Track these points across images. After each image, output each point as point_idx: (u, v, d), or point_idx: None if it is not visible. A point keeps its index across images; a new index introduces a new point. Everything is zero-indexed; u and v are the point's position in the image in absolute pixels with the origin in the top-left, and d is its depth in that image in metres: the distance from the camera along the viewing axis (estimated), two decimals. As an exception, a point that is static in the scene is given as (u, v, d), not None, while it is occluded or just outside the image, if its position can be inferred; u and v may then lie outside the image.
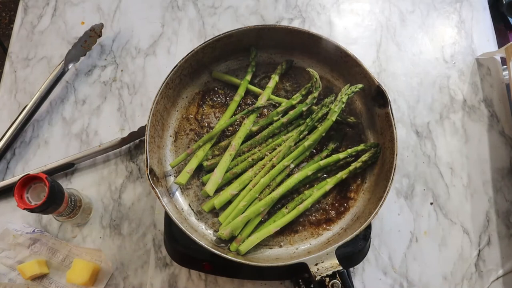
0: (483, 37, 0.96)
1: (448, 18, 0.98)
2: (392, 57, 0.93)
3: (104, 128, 0.85)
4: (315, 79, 0.74)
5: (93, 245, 0.77)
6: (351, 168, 0.71)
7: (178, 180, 0.70)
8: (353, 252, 0.67)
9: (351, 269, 0.75)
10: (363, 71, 0.71)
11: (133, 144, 0.83)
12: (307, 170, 0.70)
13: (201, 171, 0.73)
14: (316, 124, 0.72)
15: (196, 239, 0.60)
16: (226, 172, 0.71)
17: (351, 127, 0.77)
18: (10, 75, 0.89)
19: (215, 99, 0.78)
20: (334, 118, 0.71)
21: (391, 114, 0.68)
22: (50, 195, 0.63)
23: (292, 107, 0.75)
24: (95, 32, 0.88)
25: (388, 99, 0.69)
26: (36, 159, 0.82)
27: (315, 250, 0.67)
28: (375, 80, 0.70)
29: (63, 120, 0.86)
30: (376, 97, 0.71)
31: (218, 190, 0.70)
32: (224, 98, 0.78)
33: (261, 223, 0.69)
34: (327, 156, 0.73)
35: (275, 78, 0.77)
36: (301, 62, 0.80)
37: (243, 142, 0.73)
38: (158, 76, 0.89)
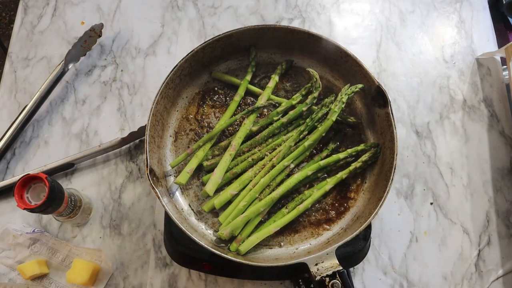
0: (483, 37, 0.96)
1: (448, 18, 0.98)
2: (392, 57, 0.93)
3: (104, 128, 0.85)
4: (315, 79, 0.74)
5: (93, 245, 0.77)
6: (351, 168, 0.71)
7: (178, 180, 0.70)
8: (353, 252, 0.67)
9: (351, 269, 0.75)
10: (363, 71, 0.71)
11: (133, 144, 0.83)
12: (307, 170, 0.70)
13: (201, 171, 0.73)
14: (316, 124, 0.72)
15: (196, 239, 0.60)
16: (226, 172, 0.71)
17: (351, 127, 0.77)
18: (10, 75, 0.89)
19: (215, 99, 0.78)
20: (334, 118, 0.71)
21: (391, 114, 0.68)
22: (50, 195, 0.63)
23: (292, 107, 0.75)
24: (95, 32, 0.88)
25: (388, 99, 0.69)
26: (36, 159, 0.82)
27: (315, 250, 0.67)
28: (375, 80, 0.70)
29: (63, 120, 0.86)
30: (376, 97, 0.71)
31: (218, 190, 0.70)
32: (224, 98, 0.78)
33: (261, 223, 0.69)
34: (327, 156, 0.73)
35: (275, 78, 0.77)
36: (301, 62, 0.80)
37: (243, 142, 0.73)
38: (158, 76, 0.89)
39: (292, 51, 0.79)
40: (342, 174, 0.71)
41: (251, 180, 0.70)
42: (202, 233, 0.68)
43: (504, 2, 1.06)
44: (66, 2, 0.96)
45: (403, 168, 0.84)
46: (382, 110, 0.71)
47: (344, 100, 0.71)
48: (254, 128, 0.74)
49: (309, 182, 0.72)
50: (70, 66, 0.86)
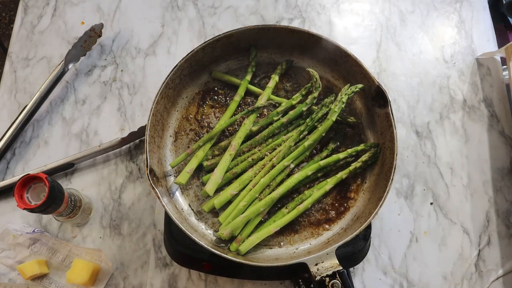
0: (483, 37, 0.96)
1: (448, 18, 0.98)
2: (392, 57, 0.93)
3: (104, 128, 0.85)
4: (315, 79, 0.74)
5: (93, 245, 0.77)
6: (351, 168, 0.71)
7: (178, 180, 0.70)
8: (353, 252, 0.67)
9: (351, 269, 0.75)
10: (363, 71, 0.71)
11: (133, 144, 0.83)
12: (307, 170, 0.70)
13: (201, 171, 0.73)
14: (316, 124, 0.72)
15: (196, 239, 0.60)
16: (226, 172, 0.71)
17: (351, 127, 0.77)
18: (10, 75, 0.89)
19: (215, 99, 0.78)
20: (334, 118, 0.71)
21: (391, 114, 0.68)
22: (50, 195, 0.63)
23: (292, 107, 0.75)
24: (95, 32, 0.88)
25: (388, 99, 0.69)
26: (36, 159, 0.82)
27: (315, 250, 0.67)
28: (375, 80, 0.70)
29: (63, 120, 0.86)
30: (376, 97, 0.71)
31: (218, 190, 0.70)
32: (224, 98, 0.78)
33: (261, 223, 0.69)
34: (327, 156, 0.73)
35: (275, 78, 0.77)
36: (301, 62, 0.80)
37: (243, 142, 0.73)
38: (158, 76, 0.89)
39: (292, 51, 0.79)
40: (342, 174, 0.71)
41: (251, 180, 0.70)
42: (202, 233, 0.68)
43: (504, 2, 1.06)
44: (66, 2, 0.96)
45: (403, 168, 0.84)
46: (382, 110, 0.71)
47: (344, 100, 0.71)
48: (254, 128, 0.74)
49: (309, 182, 0.72)
50: (70, 66, 0.86)
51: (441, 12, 0.98)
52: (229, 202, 0.69)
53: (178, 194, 0.71)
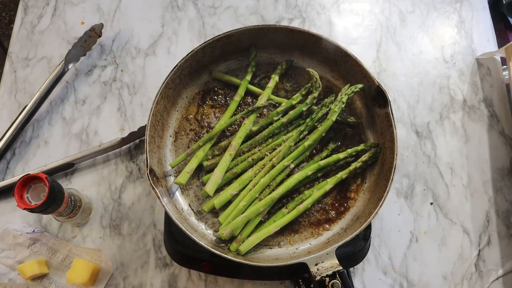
0: (483, 37, 0.96)
1: (448, 18, 0.98)
2: (392, 57, 0.93)
3: (104, 128, 0.85)
4: (315, 79, 0.74)
5: (93, 245, 0.77)
6: (351, 168, 0.71)
7: (178, 180, 0.70)
8: (353, 252, 0.67)
9: (351, 269, 0.75)
10: (363, 71, 0.71)
11: (133, 144, 0.83)
12: (307, 170, 0.70)
13: (201, 171, 0.73)
14: (316, 124, 0.72)
15: (196, 239, 0.60)
16: (226, 172, 0.71)
17: (351, 127, 0.77)
18: (10, 75, 0.89)
19: (215, 99, 0.78)
20: (334, 118, 0.71)
21: (391, 114, 0.68)
22: (50, 195, 0.63)
23: (292, 107, 0.75)
24: (95, 32, 0.88)
25: (388, 99, 0.69)
26: (36, 159, 0.82)
27: (315, 250, 0.67)
28: (375, 80, 0.70)
29: (63, 120, 0.86)
30: (376, 97, 0.71)
31: (218, 190, 0.70)
32: (224, 98, 0.78)
33: (261, 223, 0.69)
34: (327, 156, 0.73)
35: (275, 78, 0.77)
36: (301, 62, 0.80)
37: (243, 142, 0.73)
38: (158, 76, 0.89)
39: (292, 51, 0.79)
40: (342, 174, 0.71)
41: (251, 180, 0.70)
42: (202, 233, 0.68)
43: (504, 2, 1.06)
44: (66, 2, 0.96)
45: (403, 168, 0.84)
46: (382, 110, 0.71)
47: (344, 100, 0.71)
48: (254, 128, 0.74)
49: (309, 182, 0.72)
50: (70, 66, 0.86)
51: (441, 12, 0.98)
52: (229, 202, 0.69)
53: (178, 194, 0.71)
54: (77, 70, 0.90)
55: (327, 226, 0.70)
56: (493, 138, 0.87)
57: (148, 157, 0.64)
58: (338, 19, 0.97)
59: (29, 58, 0.91)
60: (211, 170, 0.72)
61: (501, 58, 0.93)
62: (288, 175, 0.71)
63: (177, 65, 0.70)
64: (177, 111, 0.76)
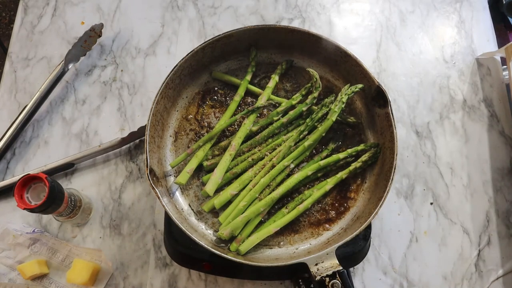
0: (483, 37, 0.96)
1: (448, 18, 0.98)
2: (392, 57, 0.93)
3: (104, 128, 0.85)
4: (315, 79, 0.74)
5: (93, 245, 0.77)
6: (351, 168, 0.71)
7: (178, 180, 0.70)
8: (353, 252, 0.67)
9: (351, 269, 0.75)
10: (363, 71, 0.71)
11: (133, 144, 0.83)
12: (307, 170, 0.70)
13: (201, 171, 0.73)
14: (316, 124, 0.72)
15: (196, 239, 0.60)
16: (226, 172, 0.71)
17: (351, 127, 0.77)
18: (10, 75, 0.89)
19: (215, 99, 0.78)
20: (334, 118, 0.71)
21: (391, 114, 0.68)
22: (50, 195, 0.63)
23: (292, 107, 0.75)
24: (95, 32, 0.88)
25: (388, 99, 0.69)
26: (36, 159, 0.82)
27: (315, 250, 0.67)
28: (375, 80, 0.70)
29: (63, 120, 0.86)
30: (376, 97, 0.71)
31: (218, 190, 0.70)
32: (224, 98, 0.78)
33: (261, 223, 0.69)
34: (327, 156, 0.73)
35: (275, 78, 0.77)
36: (301, 62, 0.80)
37: (243, 142, 0.73)
38: (158, 76, 0.89)
39: (292, 51, 0.79)
40: (342, 174, 0.71)
41: (251, 180, 0.70)
42: (202, 233, 0.68)
43: (504, 2, 1.06)
44: (66, 2, 0.96)
45: (403, 168, 0.84)
46: (382, 110, 0.71)
47: (344, 100, 0.71)
48: (254, 128, 0.74)
49: (309, 182, 0.72)
50: (70, 66, 0.86)
51: (441, 12, 0.98)
52: (229, 202, 0.69)
53: (178, 194, 0.71)
54: (77, 70, 0.90)
55: (327, 226, 0.70)
56: (493, 138, 0.87)
57: (148, 157, 0.64)
58: (338, 19, 0.97)
59: (29, 58, 0.91)
60: (211, 170, 0.72)
61: (501, 58, 0.93)
62: (288, 175, 0.71)
63: (177, 65, 0.70)
64: (177, 111, 0.76)
